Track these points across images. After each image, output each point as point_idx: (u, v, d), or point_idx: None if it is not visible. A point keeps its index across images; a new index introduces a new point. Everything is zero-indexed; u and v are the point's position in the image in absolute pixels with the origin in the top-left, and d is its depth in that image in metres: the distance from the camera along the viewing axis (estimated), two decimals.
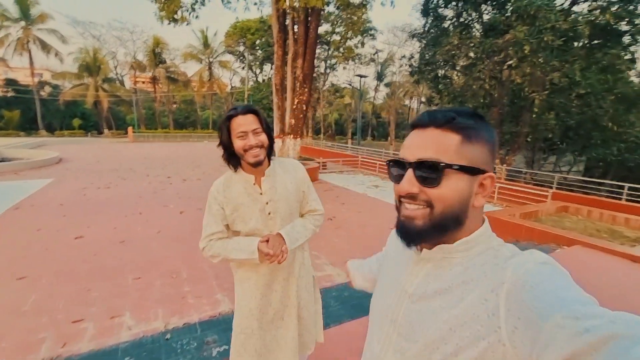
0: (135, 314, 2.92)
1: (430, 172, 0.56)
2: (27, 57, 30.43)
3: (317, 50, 26.65)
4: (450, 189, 0.56)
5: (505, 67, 9.97)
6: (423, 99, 31.39)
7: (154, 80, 37.01)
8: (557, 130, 10.77)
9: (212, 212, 1.44)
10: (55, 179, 9.34)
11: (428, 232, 0.58)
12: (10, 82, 33.37)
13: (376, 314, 0.72)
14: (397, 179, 0.61)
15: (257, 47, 32.74)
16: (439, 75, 13.03)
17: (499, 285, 0.52)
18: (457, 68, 12.25)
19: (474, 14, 10.86)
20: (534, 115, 9.90)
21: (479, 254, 0.59)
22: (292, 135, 10.39)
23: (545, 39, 8.18)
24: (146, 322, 2.80)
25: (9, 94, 33.22)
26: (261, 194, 1.42)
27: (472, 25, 10.78)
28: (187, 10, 9.63)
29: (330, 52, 29.29)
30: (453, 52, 10.52)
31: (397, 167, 0.62)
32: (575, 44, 9.44)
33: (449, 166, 0.55)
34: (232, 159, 1.41)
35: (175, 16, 9.33)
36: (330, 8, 18.55)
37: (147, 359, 2.33)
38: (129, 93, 36.77)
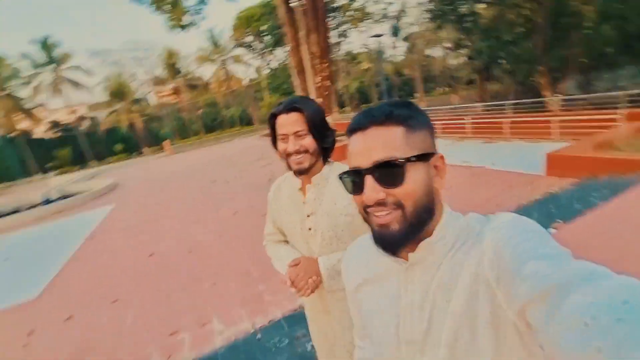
0: (222, 318, 3.04)
1: (390, 172, 0.54)
2: (61, 97, 32.67)
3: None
4: (414, 183, 0.54)
5: None
6: (449, 44, 29.09)
7: (175, 91, 38.15)
8: (616, 42, 9.39)
9: (269, 211, 1.36)
10: (116, 204, 10.05)
11: (407, 233, 0.56)
12: (55, 124, 36.24)
13: (378, 345, 0.67)
14: (356, 190, 0.58)
15: (265, 33, 32.17)
16: (464, 12, 11.84)
17: (481, 257, 0.53)
18: None
19: None
20: (584, 31, 8.63)
21: (454, 237, 0.58)
22: None
23: None
24: (234, 325, 2.89)
25: (56, 135, 36.13)
26: (304, 203, 1.20)
27: None
28: (193, 14, 9.55)
29: (341, 19, 27.97)
30: None
31: (351, 177, 0.58)
32: None
33: (408, 160, 0.53)
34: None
35: (184, 22, 9.33)
36: None
37: None
38: (156, 109, 38.30)
